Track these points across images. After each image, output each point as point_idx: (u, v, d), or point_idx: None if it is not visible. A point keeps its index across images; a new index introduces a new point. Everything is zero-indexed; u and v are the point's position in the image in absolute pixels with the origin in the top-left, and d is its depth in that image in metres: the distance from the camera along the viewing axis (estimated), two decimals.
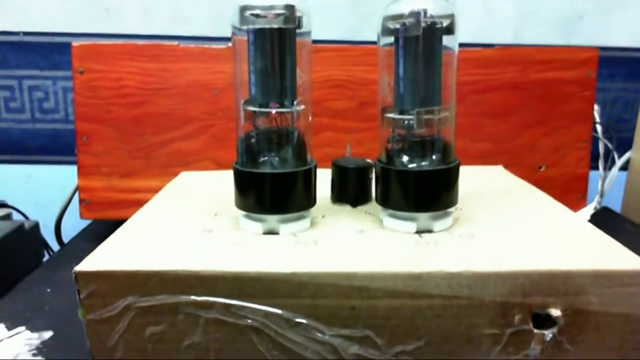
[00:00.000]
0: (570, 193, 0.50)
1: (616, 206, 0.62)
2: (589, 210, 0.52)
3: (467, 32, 0.74)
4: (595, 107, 0.55)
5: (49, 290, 0.45)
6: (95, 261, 0.30)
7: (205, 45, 0.54)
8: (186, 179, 0.49)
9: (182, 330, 0.30)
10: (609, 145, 0.54)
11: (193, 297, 0.29)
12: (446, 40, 0.35)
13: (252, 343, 0.30)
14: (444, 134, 0.34)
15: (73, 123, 0.69)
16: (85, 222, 0.61)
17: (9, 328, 0.39)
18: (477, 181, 0.44)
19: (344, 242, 0.33)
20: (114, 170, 0.53)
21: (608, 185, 0.53)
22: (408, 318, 0.29)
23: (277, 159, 0.35)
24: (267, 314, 0.29)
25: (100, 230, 0.58)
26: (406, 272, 0.29)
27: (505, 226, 0.35)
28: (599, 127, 0.56)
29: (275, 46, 0.34)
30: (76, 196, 0.57)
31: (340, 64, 0.54)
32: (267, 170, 0.34)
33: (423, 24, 0.33)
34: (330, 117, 0.53)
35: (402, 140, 0.35)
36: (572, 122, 0.52)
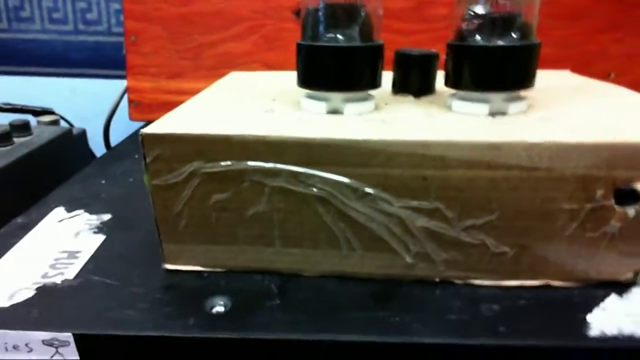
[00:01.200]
0: None
1: None
2: None
3: None
4: None
5: (103, 181, 0.46)
6: (162, 124, 0.30)
7: None
8: (236, 76, 0.47)
9: (247, 199, 0.29)
10: None
11: (259, 164, 0.29)
12: None
13: (317, 214, 0.29)
14: (525, 11, 0.32)
15: (116, 35, 0.68)
16: (132, 129, 0.61)
17: (68, 211, 0.40)
18: (546, 81, 0.42)
19: (413, 120, 0.32)
20: (162, 70, 0.52)
21: None
22: (482, 190, 0.28)
23: (343, 35, 0.33)
24: (334, 183, 0.28)
25: None
26: (485, 142, 0.27)
27: (586, 111, 0.33)
28: None
29: None
30: (124, 104, 0.56)
31: None
32: (333, 44, 0.32)
33: None
34: (385, 17, 0.50)
35: (479, 18, 0.32)
36: None
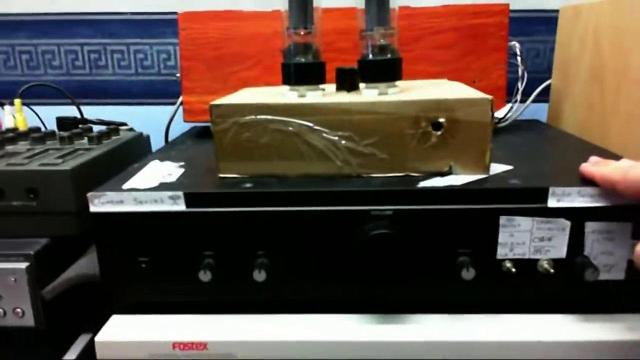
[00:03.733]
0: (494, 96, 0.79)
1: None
2: (506, 108, 0.81)
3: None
4: (517, 44, 0.85)
5: (172, 153, 0.77)
6: (218, 100, 0.62)
7: (258, 10, 0.85)
8: (248, 89, 0.80)
9: (259, 135, 0.61)
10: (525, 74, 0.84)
11: (264, 117, 0.60)
12: None
13: (293, 142, 0.60)
14: (392, 42, 0.64)
15: (163, 76, 1.02)
16: (180, 131, 0.93)
17: (160, 161, 0.71)
18: (425, 81, 0.74)
19: (341, 97, 0.63)
20: (204, 90, 0.85)
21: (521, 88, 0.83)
22: (370, 125, 0.59)
23: (304, 58, 0.65)
24: (301, 125, 0.60)
25: (196, 132, 0.90)
26: (369, 101, 0.59)
27: (427, 89, 0.65)
28: (519, 58, 0.85)
29: None
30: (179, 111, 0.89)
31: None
32: (298, 62, 0.64)
33: None
34: (333, 50, 0.83)
35: (369, 47, 0.65)
36: (492, 51, 0.81)
